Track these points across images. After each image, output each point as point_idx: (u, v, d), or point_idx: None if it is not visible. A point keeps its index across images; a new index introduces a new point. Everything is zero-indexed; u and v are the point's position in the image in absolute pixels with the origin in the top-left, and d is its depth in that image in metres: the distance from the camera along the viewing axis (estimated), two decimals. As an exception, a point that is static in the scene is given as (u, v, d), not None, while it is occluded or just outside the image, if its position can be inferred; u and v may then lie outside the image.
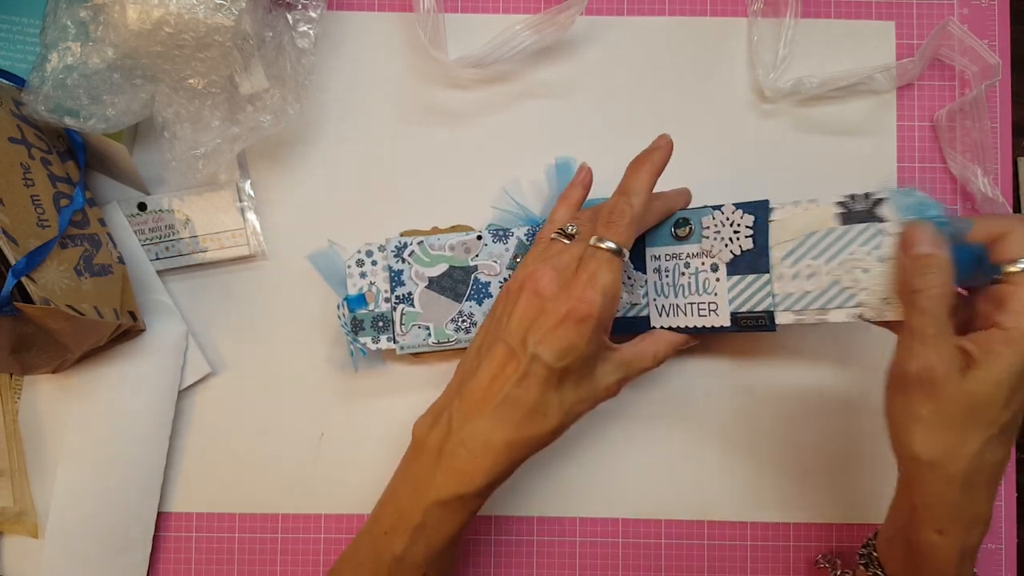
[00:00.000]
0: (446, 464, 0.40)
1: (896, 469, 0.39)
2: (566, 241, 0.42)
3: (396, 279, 0.48)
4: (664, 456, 0.50)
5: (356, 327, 0.48)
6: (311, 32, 0.47)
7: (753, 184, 0.50)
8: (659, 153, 0.42)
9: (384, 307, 0.49)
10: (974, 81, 0.50)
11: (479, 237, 0.49)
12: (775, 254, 0.42)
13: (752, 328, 0.43)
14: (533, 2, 0.52)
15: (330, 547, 0.50)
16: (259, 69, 0.45)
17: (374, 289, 0.49)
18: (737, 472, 0.50)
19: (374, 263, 0.49)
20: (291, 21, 0.47)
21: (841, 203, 0.40)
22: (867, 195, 0.39)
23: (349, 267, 0.49)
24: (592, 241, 0.40)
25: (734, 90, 0.51)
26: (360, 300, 0.48)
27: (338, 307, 0.48)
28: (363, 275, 0.49)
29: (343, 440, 0.51)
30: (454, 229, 0.50)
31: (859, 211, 0.40)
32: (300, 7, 0.47)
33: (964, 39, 0.49)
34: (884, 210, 0.39)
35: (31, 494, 0.49)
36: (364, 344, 0.48)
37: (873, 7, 0.52)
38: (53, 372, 0.47)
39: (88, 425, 0.48)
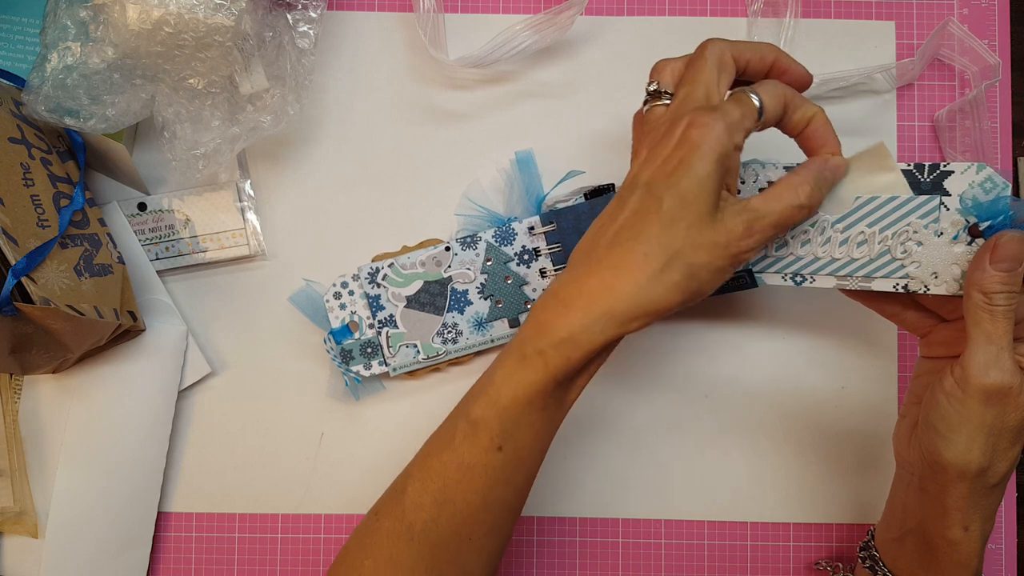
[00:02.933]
0: (533, 316, 0.36)
1: (887, 468, 0.39)
2: (660, 104, 0.38)
3: (375, 304, 0.49)
4: (664, 456, 0.50)
5: (346, 357, 0.49)
6: (311, 32, 0.47)
7: (753, 184, 0.50)
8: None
9: (369, 333, 0.49)
10: (974, 81, 0.50)
11: (447, 248, 0.49)
12: (826, 217, 0.40)
13: (735, 288, 0.44)
14: (533, 2, 0.52)
15: (330, 547, 0.50)
16: (259, 69, 0.45)
17: (356, 318, 0.49)
18: (737, 472, 0.50)
19: (351, 293, 0.49)
20: (291, 21, 0.47)
21: (908, 172, 0.39)
22: (934, 166, 0.38)
23: (327, 301, 0.49)
24: (737, 89, 0.36)
25: (734, 90, 0.51)
26: (345, 331, 0.49)
27: (325, 341, 0.49)
28: (343, 306, 0.49)
29: (343, 440, 0.51)
30: (423, 245, 0.50)
31: (925, 182, 0.39)
32: (300, 7, 0.47)
33: (964, 39, 0.49)
34: (950, 184, 0.38)
35: (31, 494, 0.49)
36: (357, 372, 0.49)
37: (873, 7, 0.52)
38: (53, 372, 0.47)
39: (88, 425, 0.48)
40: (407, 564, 0.37)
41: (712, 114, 0.34)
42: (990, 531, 0.38)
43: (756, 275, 0.43)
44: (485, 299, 0.49)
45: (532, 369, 0.35)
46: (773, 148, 0.52)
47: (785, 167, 0.41)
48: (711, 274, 0.35)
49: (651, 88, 0.39)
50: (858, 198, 0.40)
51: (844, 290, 0.41)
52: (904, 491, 0.40)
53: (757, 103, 0.36)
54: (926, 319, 0.41)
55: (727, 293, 0.45)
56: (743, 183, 0.42)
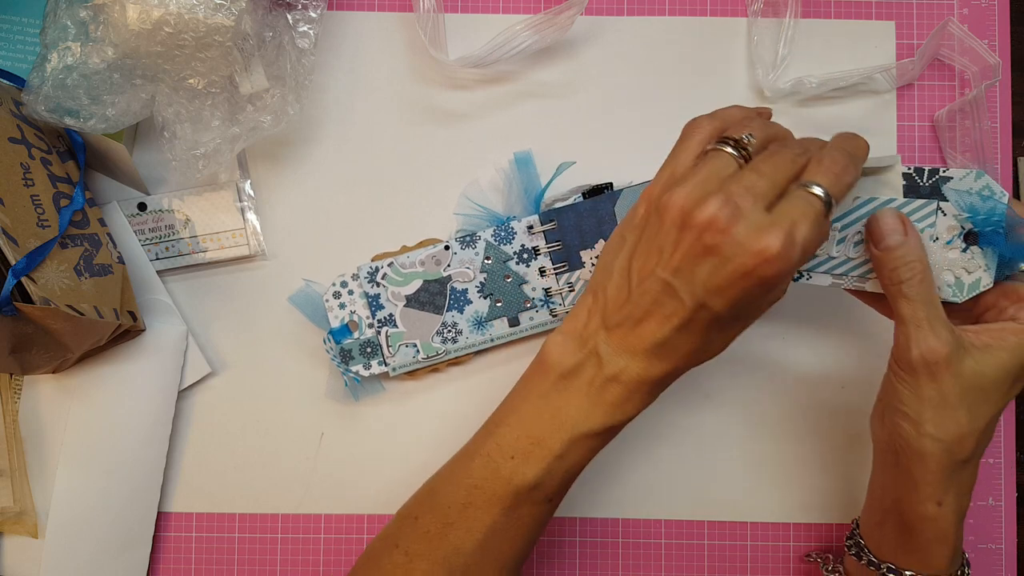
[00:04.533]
0: (596, 398, 0.37)
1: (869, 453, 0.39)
2: (734, 154, 0.34)
3: (374, 303, 0.49)
4: (664, 456, 0.50)
5: (345, 357, 0.49)
6: (311, 32, 0.47)
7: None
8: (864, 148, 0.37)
9: (369, 333, 0.49)
10: (974, 81, 0.50)
11: (447, 247, 0.49)
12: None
13: None
14: (533, 2, 0.52)
15: (330, 547, 0.50)
16: (259, 69, 0.45)
17: (356, 317, 0.49)
18: (737, 472, 0.50)
19: (351, 292, 0.49)
20: (291, 21, 0.47)
21: (907, 175, 0.39)
22: (933, 171, 0.39)
23: (327, 300, 0.49)
24: (800, 183, 0.34)
25: (734, 90, 0.51)
26: (344, 331, 0.49)
27: (324, 341, 0.49)
28: (342, 306, 0.49)
29: (343, 440, 0.51)
30: (422, 244, 0.50)
31: (922, 186, 0.39)
32: (300, 7, 0.47)
33: (964, 39, 0.49)
34: (948, 190, 0.38)
35: (31, 494, 0.49)
36: (356, 372, 0.49)
37: (873, 7, 0.52)
38: (53, 372, 0.47)
39: (88, 425, 0.48)
40: None
41: (789, 248, 0.32)
42: (966, 507, 0.39)
43: None
44: (485, 298, 0.49)
45: (603, 442, 0.38)
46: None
47: None
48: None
49: (744, 139, 0.35)
50: (857, 198, 0.40)
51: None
52: (881, 471, 0.41)
53: (826, 200, 0.33)
54: None
55: None
56: None
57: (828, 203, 0.33)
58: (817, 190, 0.33)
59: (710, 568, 0.50)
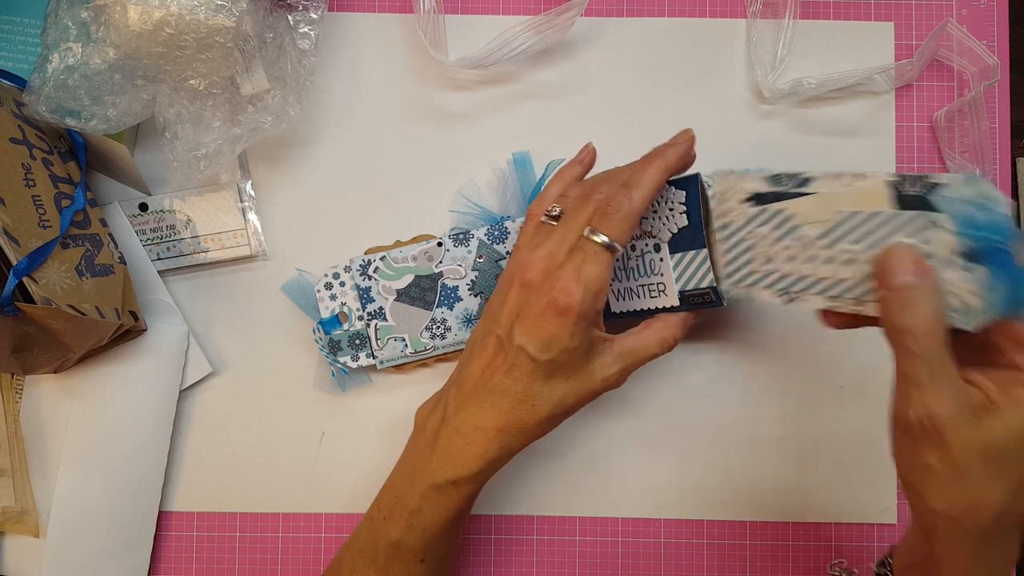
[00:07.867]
0: (441, 449, 0.41)
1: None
2: (553, 223, 0.41)
3: (365, 296, 0.49)
4: (664, 456, 0.51)
5: (334, 348, 0.49)
6: (312, 33, 0.47)
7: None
8: (674, 151, 0.40)
9: (358, 325, 0.49)
10: (973, 82, 0.50)
11: (440, 244, 0.49)
12: (809, 232, 0.36)
13: (701, 305, 0.42)
14: (533, 3, 0.52)
15: (330, 547, 0.50)
16: (260, 70, 0.45)
17: (346, 309, 0.49)
18: (736, 472, 0.50)
19: (342, 284, 0.49)
20: (292, 22, 0.47)
21: (892, 183, 0.34)
22: (921, 177, 0.33)
23: (318, 291, 0.49)
24: (585, 232, 0.39)
25: (733, 91, 0.52)
26: (334, 321, 0.49)
27: (314, 331, 0.49)
28: (333, 297, 0.49)
29: (343, 440, 0.51)
30: (416, 240, 0.50)
31: (910, 196, 0.33)
32: (301, 8, 0.47)
33: (963, 40, 0.49)
34: (939, 198, 0.32)
35: (32, 494, 0.49)
36: (344, 363, 0.49)
37: (872, 7, 0.52)
38: (54, 372, 0.47)
39: (89, 425, 0.48)
40: None
41: (573, 284, 0.38)
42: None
43: (746, 291, 0.40)
44: (475, 296, 0.49)
45: (451, 498, 0.41)
46: (769, 147, 0.52)
47: (765, 177, 0.39)
48: (586, 403, 0.41)
49: (553, 212, 0.41)
50: (839, 212, 0.36)
51: (832, 312, 0.38)
52: (912, 526, 0.37)
53: (607, 244, 0.38)
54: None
55: (697, 308, 0.43)
56: (724, 196, 0.40)
57: (610, 245, 0.38)
58: (599, 237, 0.39)
59: (710, 568, 0.50)
